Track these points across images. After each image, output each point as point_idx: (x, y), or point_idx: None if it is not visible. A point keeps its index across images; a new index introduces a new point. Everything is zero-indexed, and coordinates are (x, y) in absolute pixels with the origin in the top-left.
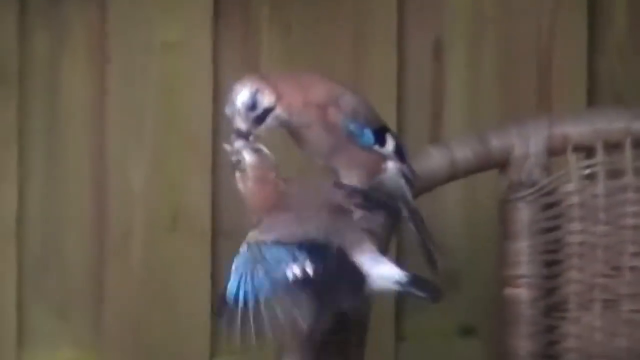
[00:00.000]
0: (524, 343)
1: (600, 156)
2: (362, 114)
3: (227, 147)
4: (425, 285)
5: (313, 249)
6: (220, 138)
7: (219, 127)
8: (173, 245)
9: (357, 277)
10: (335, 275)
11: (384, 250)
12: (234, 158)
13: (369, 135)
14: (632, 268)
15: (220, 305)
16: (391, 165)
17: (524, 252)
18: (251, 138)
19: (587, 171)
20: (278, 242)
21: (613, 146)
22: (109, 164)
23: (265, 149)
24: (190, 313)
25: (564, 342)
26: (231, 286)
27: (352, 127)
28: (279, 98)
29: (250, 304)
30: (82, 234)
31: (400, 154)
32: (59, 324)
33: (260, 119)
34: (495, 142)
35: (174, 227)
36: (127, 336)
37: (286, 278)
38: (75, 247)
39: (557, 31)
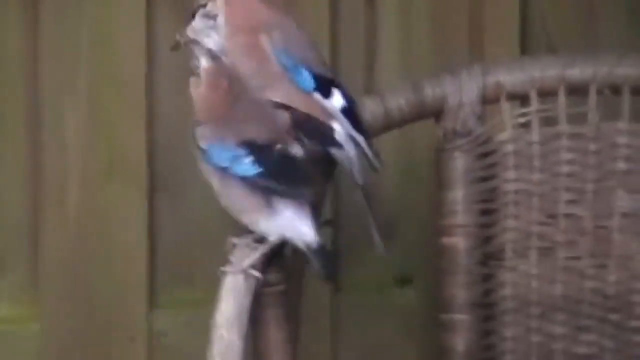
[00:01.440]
0: (460, 292)
1: (534, 104)
2: (299, 50)
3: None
4: (327, 261)
5: (255, 148)
6: (154, 87)
7: (153, 76)
8: (109, 194)
9: (307, 173)
10: (281, 170)
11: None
12: (192, 62)
13: (306, 77)
14: (568, 215)
15: None
16: (337, 128)
17: (459, 201)
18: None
19: (522, 119)
20: (224, 141)
21: (547, 94)
22: (43, 114)
23: (223, 58)
24: (128, 263)
25: (500, 290)
26: None
27: (284, 60)
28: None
29: None
30: (17, 185)
31: (353, 120)
32: None
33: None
34: (429, 92)
35: (110, 176)
36: (65, 288)
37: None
38: (10, 199)
39: None
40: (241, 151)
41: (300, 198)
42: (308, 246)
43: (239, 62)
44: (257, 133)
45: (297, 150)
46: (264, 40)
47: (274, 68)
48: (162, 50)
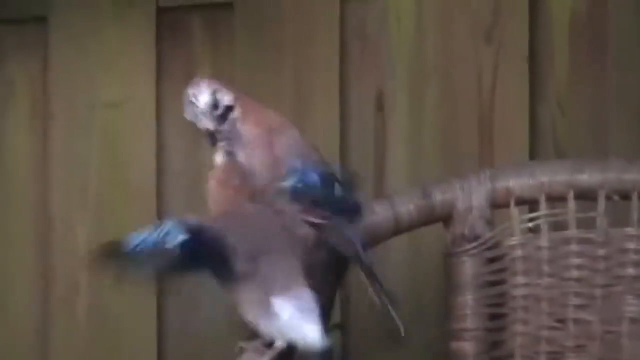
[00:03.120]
0: None
1: (543, 209)
2: (306, 152)
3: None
4: None
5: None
6: (164, 194)
7: (163, 180)
8: (119, 298)
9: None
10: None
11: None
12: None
13: (312, 176)
14: (577, 320)
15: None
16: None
17: (468, 306)
18: (220, 137)
19: (531, 224)
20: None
21: (556, 199)
22: (53, 220)
23: (238, 156)
24: None
25: None
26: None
27: (293, 161)
28: (236, 99)
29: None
30: (28, 290)
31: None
32: None
33: (223, 118)
34: (439, 197)
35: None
36: None
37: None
38: (20, 305)
39: (499, 83)
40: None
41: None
42: (312, 348)
43: (255, 157)
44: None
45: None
46: (276, 141)
47: (284, 167)
48: (172, 156)
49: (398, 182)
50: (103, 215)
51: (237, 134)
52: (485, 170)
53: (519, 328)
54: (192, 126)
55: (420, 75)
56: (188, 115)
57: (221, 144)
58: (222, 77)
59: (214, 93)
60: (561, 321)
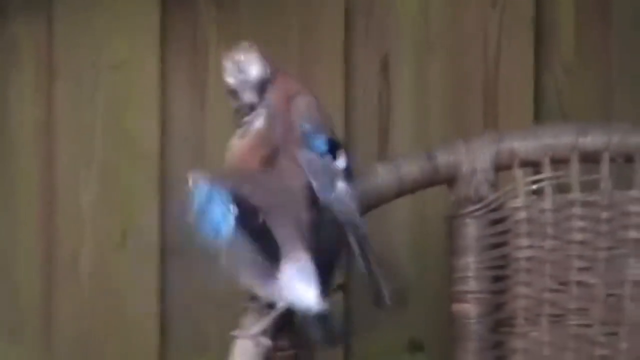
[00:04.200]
0: (472, 358)
1: (547, 171)
2: (318, 118)
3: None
4: (330, 328)
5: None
6: (167, 157)
7: (167, 145)
8: (122, 263)
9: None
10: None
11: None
12: (246, 119)
13: (322, 142)
14: (579, 283)
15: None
16: (341, 186)
17: (471, 268)
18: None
19: (534, 186)
20: (221, 185)
21: (560, 161)
22: (57, 183)
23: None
24: (140, 331)
25: (512, 357)
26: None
27: (307, 127)
28: (275, 71)
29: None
30: (31, 253)
31: (350, 176)
32: (10, 347)
33: (263, 91)
34: (443, 159)
35: (123, 245)
36: (78, 357)
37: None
38: (24, 267)
39: (504, 47)
40: (227, 200)
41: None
42: (308, 311)
43: (275, 123)
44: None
45: None
46: (293, 107)
47: (296, 135)
48: (176, 120)
49: (402, 144)
50: (107, 180)
51: (265, 102)
52: (490, 132)
53: (522, 290)
54: (229, 95)
55: (425, 39)
56: (232, 84)
57: (263, 110)
58: (227, 39)
59: (264, 66)
60: (564, 283)
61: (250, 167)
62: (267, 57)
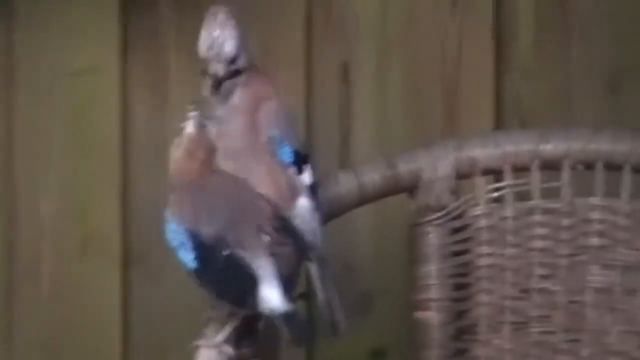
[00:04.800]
0: None
1: (508, 179)
2: (285, 127)
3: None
4: (296, 326)
5: (203, 244)
6: (129, 164)
7: (128, 152)
8: (83, 271)
9: (247, 284)
10: (223, 277)
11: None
12: (180, 124)
13: (288, 152)
14: (541, 290)
15: None
16: (304, 202)
17: (433, 276)
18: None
19: (495, 194)
20: (179, 221)
21: (520, 169)
22: (17, 190)
23: (210, 129)
24: (102, 339)
25: None
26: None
27: (274, 133)
28: (249, 67)
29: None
30: None
31: (314, 193)
32: None
33: (232, 76)
34: (404, 166)
35: (84, 253)
36: None
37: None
38: None
39: (464, 52)
40: (188, 241)
41: (237, 309)
42: (274, 312)
43: (228, 124)
44: (217, 224)
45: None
46: (260, 114)
47: (262, 140)
48: (137, 125)
49: (363, 152)
50: (67, 185)
51: (230, 96)
52: (451, 140)
53: (483, 298)
54: (198, 63)
55: (385, 45)
56: (203, 51)
57: (193, 114)
58: (187, 45)
59: (240, 47)
60: (525, 291)
61: (192, 177)
62: (245, 43)
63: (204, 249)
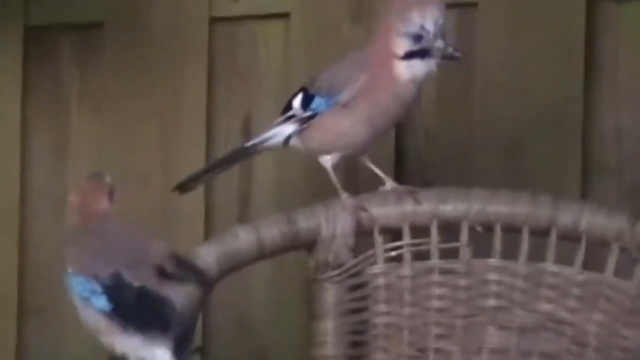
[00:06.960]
0: None
1: (406, 238)
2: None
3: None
4: None
5: (111, 284)
6: (27, 214)
7: (27, 201)
8: None
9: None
10: (140, 308)
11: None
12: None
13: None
14: (437, 350)
15: None
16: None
17: (330, 332)
18: None
19: (394, 253)
20: (80, 272)
21: (420, 228)
22: None
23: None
24: None
25: None
26: None
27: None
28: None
29: None
30: None
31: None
32: None
33: None
34: (303, 223)
35: None
36: None
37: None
38: None
39: None
40: (96, 287)
41: (156, 339)
42: None
43: None
44: (118, 265)
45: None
46: None
47: None
48: (36, 174)
49: (263, 207)
50: None
51: None
52: (350, 196)
53: (380, 356)
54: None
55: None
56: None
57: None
58: (89, 97)
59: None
60: (422, 350)
61: (87, 224)
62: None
63: (112, 289)
